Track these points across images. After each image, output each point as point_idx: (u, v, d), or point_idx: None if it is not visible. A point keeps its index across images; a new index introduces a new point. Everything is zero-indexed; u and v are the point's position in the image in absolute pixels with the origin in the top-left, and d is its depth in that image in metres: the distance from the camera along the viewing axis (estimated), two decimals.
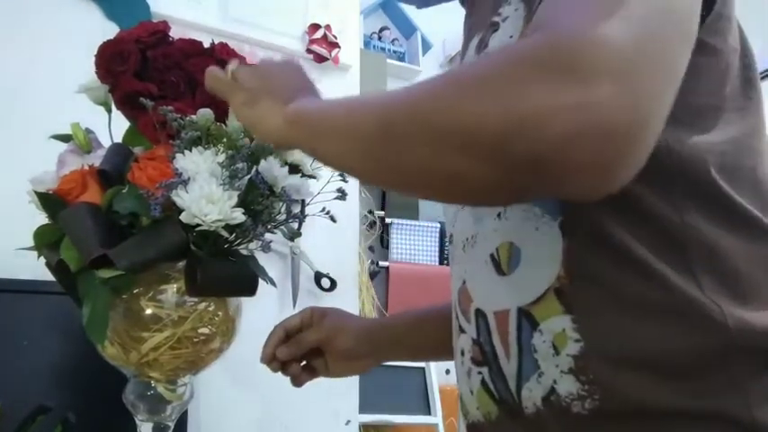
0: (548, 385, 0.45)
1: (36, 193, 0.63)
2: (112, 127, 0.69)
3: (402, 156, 0.38)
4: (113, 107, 0.69)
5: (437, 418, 1.90)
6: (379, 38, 2.58)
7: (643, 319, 0.43)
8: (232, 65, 0.54)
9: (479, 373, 0.52)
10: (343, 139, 0.43)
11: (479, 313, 0.52)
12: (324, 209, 0.66)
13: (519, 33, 0.48)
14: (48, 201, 0.62)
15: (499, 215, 0.50)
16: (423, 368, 2.01)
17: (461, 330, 0.55)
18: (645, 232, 0.44)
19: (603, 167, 0.32)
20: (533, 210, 0.48)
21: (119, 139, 0.69)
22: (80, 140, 0.68)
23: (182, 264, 0.62)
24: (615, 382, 0.42)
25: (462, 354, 0.55)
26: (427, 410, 1.91)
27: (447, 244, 0.62)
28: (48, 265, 0.63)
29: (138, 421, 0.67)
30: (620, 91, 0.31)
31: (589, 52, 0.32)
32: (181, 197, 0.55)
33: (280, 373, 0.73)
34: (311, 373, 0.74)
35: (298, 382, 0.73)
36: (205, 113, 0.61)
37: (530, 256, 0.48)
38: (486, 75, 0.36)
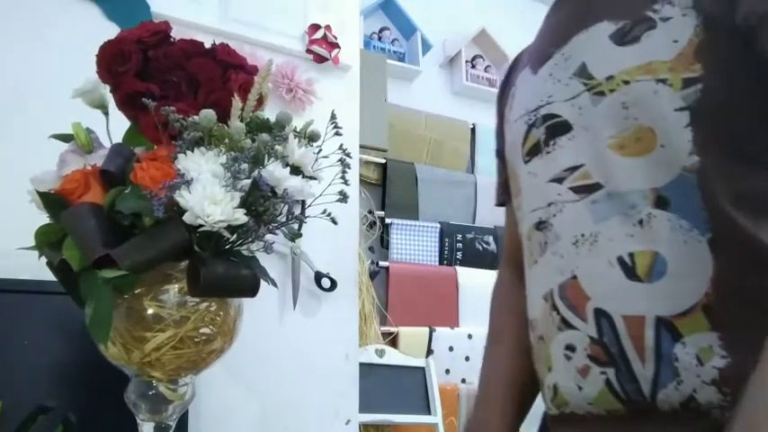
0: (687, 393, 0.46)
1: (38, 192, 0.63)
2: (111, 128, 0.69)
3: None
4: (114, 107, 0.69)
5: (437, 417, 1.90)
6: (379, 38, 2.58)
7: None
8: None
9: (603, 373, 0.51)
10: None
11: (601, 313, 0.51)
12: (325, 210, 0.66)
13: (687, 42, 0.48)
14: (50, 201, 0.62)
15: (641, 222, 0.50)
16: (423, 368, 2.01)
17: (567, 325, 0.54)
18: None
19: None
20: (680, 222, 0.48)
21: (117, 140, 0.69)
22: (81, 140, 0.68)
23: (184, 264, 0.62)
24: None
25: (570, 349, 0.54)
26: (427, 410, 1.91)
27: (530, 229, 0.60)
28: (49, 264, 0.63)
29: (139, 421, 0.67)
30: None
31: None
32: (184, 197, 0.55)
33: (280, 372, 0.72)
34: None
35: None
36: (207, 114, 0.61)
37: (677, 269, 0.48)
38: None
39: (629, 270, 0.50)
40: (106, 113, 0.70)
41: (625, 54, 0.51)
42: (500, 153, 0.75)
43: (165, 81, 0.65)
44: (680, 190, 0.48)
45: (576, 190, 0.55)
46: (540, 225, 0.58)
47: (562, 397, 0.55)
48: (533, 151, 0.60)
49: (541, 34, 0.65)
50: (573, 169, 0.55)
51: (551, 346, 0.56)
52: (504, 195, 0.75)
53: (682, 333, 0.46)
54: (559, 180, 0.56)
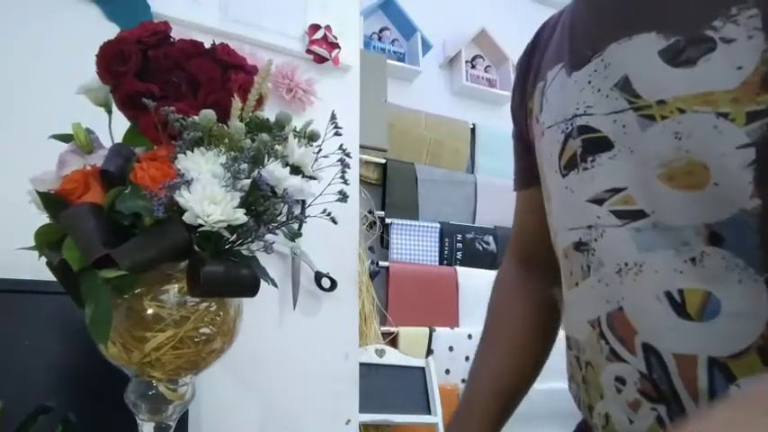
0: None
1: (38, 192, 0.63)
2: (113, 128, 0.70)
3: None
4: (114, 108, 0.69)
5: (437, 417, 1.90)
6: (379, 38, 2.58)
7: None
8: None
9: (654, 409, 0.50)
10: None
11: (650, 349, 0.50)
12: (325, 210, 0.66)
13: (754, 70, 0.42)
14: (49, 201, 0.62)
15: (693, 260, 0.47)
16: (423, 368, 2.01)
17: (616, 357, 0.53)
18: None
19: None
20: (735, 260, 0.45)
21: (119, 139, 0.69)
22: (81, 140, 0.68)
23: (184, 264, 0.62)
24: None
25: (620, 381, 0.53)
26: (427, 410, 1.92)
27: (568, 248, 0.58)
28: (49, 264, 0.63)
29: (139, 421, 0.67)
30: None
31: None
32: (183, 197, 0.55)
33: (280, 372, 0.72)
34: None
35: None
36: (207, 114, 0.61)
37: (731, 309, 0.46)
38: None
39: (677, 306, 0.48)
40: (110, 112, 0.70)
41: (678, 77, 0.47)
42: (518, 136, 0.72)
43: (165, 81, 0.65)
44: (736, 229, 0.45)
45: (617, 214, 0.52)
46: (581, 246, 0.56)
47: (613, 427, 0.54)
48: (570, 165, 0.57)
49: (572, 27, 0.59)
50: (614, 191, 0.52)
51: (601, 376, 0.55)
52: (522, 182, 0.73)
53: (736, 375, 0.45)
54: (599, 201, 0.53)
